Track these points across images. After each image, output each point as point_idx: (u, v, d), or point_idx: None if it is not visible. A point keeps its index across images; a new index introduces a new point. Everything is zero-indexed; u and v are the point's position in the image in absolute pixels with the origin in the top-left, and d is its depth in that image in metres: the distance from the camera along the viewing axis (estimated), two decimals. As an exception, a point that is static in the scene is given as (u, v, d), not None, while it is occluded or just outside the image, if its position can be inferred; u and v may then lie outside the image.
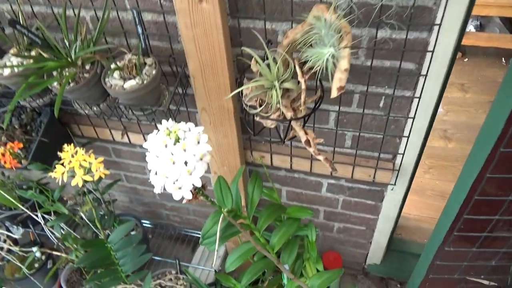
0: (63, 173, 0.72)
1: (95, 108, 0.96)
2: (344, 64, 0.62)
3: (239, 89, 0.78)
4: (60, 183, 0.73)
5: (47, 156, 1.11)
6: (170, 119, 0.56)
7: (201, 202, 0.61)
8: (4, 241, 1.39)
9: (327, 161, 0.78)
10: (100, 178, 0.75)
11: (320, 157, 0.79)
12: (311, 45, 0.68)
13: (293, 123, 0.80)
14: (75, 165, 0.71)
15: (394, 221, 1.28)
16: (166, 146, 0.53)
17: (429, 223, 1.65)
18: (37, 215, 1.17)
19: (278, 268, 1.10)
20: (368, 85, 0.89)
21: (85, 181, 0.73)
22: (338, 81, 0.62)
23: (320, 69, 0.67)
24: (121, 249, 1.01)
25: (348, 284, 1.56)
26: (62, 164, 0.73)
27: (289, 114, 0.79)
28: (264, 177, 1.21)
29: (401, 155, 1.02)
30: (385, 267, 1.50)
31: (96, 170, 0.74)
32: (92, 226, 1.22)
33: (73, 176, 0.72)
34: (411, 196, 1.41)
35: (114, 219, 1.35)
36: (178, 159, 0.53)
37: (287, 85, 0.77)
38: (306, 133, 0.81)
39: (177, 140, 0.55)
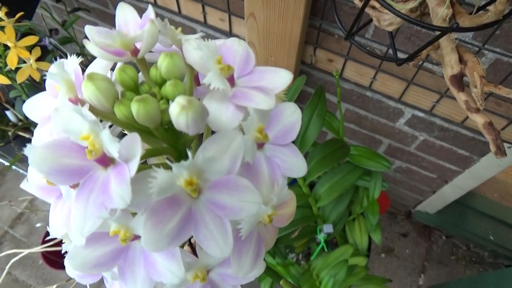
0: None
1: None
2: None
3: None
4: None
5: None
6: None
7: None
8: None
9: (491, 132, 0.38)
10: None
11: (479, 119, 0.38)
12: None
13: (446, 37, 0.37)
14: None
15: (484, 182, 0.92)
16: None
17: (506, 174, 1.29)
18: None
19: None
20: None
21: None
22: None
23: None
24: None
25: (384, 223, 1.30)
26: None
27: (443, 13, 0.36)
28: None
29: None
30: (437, 218, 1.21)
31: (22, 63, 0.35)
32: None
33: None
34: None
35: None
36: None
37: None
38: (462, 60, 0.38)
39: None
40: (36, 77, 0.37)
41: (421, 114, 0.81)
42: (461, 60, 0.39)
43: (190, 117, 0.14)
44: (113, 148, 0.14)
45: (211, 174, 0.15)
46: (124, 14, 0.16)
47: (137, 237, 0.15)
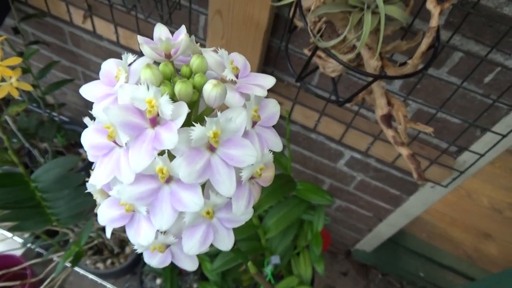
0: None
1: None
2: None
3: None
4: None
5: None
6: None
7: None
8: None
9: (413, 162, 0.46)
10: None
11: (403, 151, 0.46)
12: None
13: (376, 83, 0.46)
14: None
15: (412, 219, 1.03)
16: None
17: (432, 216, 1.43)
18: None
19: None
20: (495, 48, 0.55)
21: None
22: None
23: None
24: (52, 191, 0.68)
25: (325, 261, 1.35)
26: None
27: (374, 64, 0.44)
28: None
29: (477, 155, 0.72)
30: (373, 256, 1.29)
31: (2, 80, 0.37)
32: (22, 138, 0.87)
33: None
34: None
35: (57, 130, 1.00)
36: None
37: (391, 10, 0.42)
38: (390, 104, 0.47)
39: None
40: (15, 94, 0.39)
41: (358, 156, 0.91)
42: (389, 103, 0.48)
43: (218, 92, 0.21)
44: (168, 108, 0.19)
45: (227, 132, 0.20)
46: (160, 31, 0.23)
47: (168, 180, 0.19)
